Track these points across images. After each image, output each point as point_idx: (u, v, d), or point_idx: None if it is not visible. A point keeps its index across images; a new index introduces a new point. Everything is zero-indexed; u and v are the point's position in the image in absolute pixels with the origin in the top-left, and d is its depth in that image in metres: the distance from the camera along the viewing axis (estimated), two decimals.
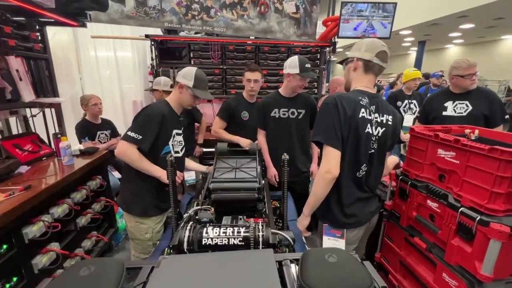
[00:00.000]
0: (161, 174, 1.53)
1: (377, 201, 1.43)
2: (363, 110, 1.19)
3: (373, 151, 1.26)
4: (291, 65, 1.90)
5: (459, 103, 2.14)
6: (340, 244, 1.32)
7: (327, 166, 1.18)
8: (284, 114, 2.05)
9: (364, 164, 1.26)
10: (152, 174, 1.53)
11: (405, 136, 3.19)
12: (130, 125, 1.53)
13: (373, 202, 1.40)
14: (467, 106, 2.11)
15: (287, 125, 2.05)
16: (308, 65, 1.90)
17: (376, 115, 1.24)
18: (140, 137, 1.45)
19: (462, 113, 2.12)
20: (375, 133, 1.24)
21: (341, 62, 1.52)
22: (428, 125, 2.24)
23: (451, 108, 2.16)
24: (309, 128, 2.13)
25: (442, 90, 2.55)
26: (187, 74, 1.58)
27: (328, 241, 1.34)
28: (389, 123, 1.28)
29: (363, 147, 1.22)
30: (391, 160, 1.57)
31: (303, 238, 1.44)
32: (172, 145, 1.64)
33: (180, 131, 1.71)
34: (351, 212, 1.30)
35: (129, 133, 1.47)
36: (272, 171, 2.06)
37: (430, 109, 2.30)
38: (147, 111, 1.53)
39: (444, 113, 2.19)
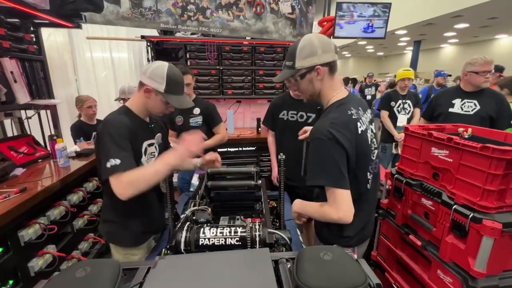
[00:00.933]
0: (170, 159, 1.12)
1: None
2: (358, 124, 1.04)
3: (375, 151, 1.15)
4: None
5: (467, 102, 2.10)
6: None
7: (337, 214, 0.99)
8: (293, 117, 2.01)
9: (369, 173, 1.13)
10: (166, 169, 1.11)
11: (398, 135, 3.21)
12: None
13: (374, 211, 1.29)
14: (475, 105, 2.07)
15: (294, 128, 1.96)
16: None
17: (364, 116, 1.12)
18: (119, 161, 1.08)
19: (469, 111, 2.08)
20: (371, 133, 1.14)
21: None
22: (432, 121, 2.25)
23: (459, 106, 2.13)
24: None
25: (451, 87, 2.50)
26: (156, 74, 1.17)
27: None
28: (370, 114, 1.19)
29: (369, 157, 1.10)
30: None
31: (300, 238, 1.45)
32: (146, 161, 1.28)
33: (153, 141, 1.35)
34: (361, 233, 1.19)
35: (107, 165, 1.07)
36: (276, 172, 2.06)
37: (436, 105, 2.27)
38: (108, 130, 1.13)
39: (450, 109, 2.15)
